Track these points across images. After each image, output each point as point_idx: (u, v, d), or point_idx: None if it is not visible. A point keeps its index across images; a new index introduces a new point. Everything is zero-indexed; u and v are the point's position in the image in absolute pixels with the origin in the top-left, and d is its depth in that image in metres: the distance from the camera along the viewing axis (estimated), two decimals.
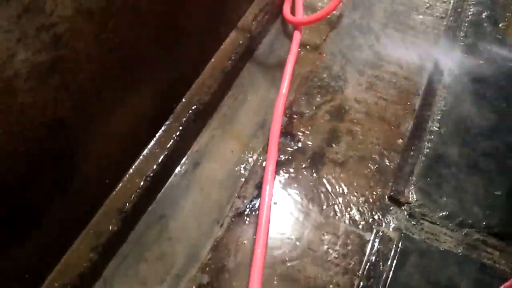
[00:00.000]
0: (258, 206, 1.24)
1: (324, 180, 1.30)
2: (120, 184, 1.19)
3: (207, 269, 1.14)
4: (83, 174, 1.03)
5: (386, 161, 1.35)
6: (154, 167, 1.24)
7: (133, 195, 1.19)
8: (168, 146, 1.28)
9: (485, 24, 1.73)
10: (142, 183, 1.21)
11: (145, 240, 1.22)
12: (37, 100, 0.77)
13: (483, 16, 1.76)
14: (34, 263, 0.99)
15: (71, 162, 0.97)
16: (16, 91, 0.73)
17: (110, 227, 1.13)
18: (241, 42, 1.54)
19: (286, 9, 1.73)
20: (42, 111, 0.80)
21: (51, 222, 0.98)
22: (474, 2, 1.81)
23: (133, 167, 1.23)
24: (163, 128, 1.31)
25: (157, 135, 1.29)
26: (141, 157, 1.25)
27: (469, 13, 1.77)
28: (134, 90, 1.12)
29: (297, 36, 1.65)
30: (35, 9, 0.70)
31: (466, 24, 1.73)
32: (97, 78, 0.93)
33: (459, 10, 1.78)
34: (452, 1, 1.81)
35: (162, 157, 1.26)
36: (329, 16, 1.68)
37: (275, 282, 1.13)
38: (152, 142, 1.28)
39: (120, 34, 0.94)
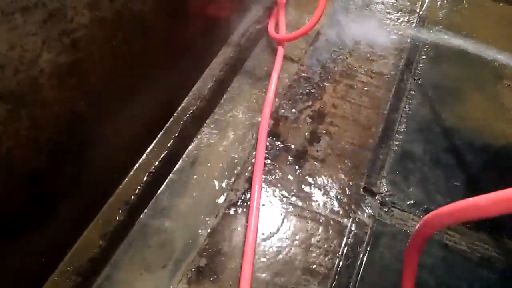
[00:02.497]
0: (249, 198, 1.27)
1: (307, 174, 1.34)
2: (126, 179, 1.21)
3: (205, 253, 1.16)
4: (94, 168, 1.05)
5: (360, 157, 1.39)
6: (156, 164, 1.26)
7: (138, 189, 1.21)
8: (168, 145, 1.31)
9: None
10: (145, 178, 1.23)
11: (148, 229, 1.23)
12: (58, 97, 0.80)
13: None
14: (50, 248, 1.00)
15: (84, 156, 0.99)
16: (41, 88, 0.75)
17: (118, 217, 1.15)
18: (231, 55, 1.58)
19: (271, 27, 1.77)
20: (62, 107, 0.82)
21: (65, 211, 0.99)
22: None
23: (138, 163, 1.25)
24: (163, 129, 1.33)
25: (158, 135, 1.31)
26: (144, 155, 1.27)
27: None
28: (139, 94, 1.15)
29: (281, 51, 1.70)
30: (58, 15, 0.73)
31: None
32: (108, 80, 0.96)
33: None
34: None
35: (163, 155, 1.28)
36: (308, 33, 1.74)
37: (265, 264, 1.15)
38: (154, 142, 1.30)
39: (128, 42, 0.98)
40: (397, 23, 1.88)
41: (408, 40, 1.79)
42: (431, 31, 1.84)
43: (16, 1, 0.64)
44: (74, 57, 0.80)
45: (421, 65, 1.69)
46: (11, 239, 0.84)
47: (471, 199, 0.60)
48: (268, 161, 1.36)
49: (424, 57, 1.73)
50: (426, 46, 1.77)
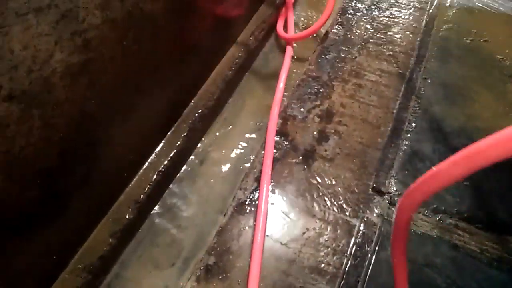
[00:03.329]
0: (257, 197, 1.27)
1: (315, 174, 1.34)
2: (136, 177, 1.22)
3: (213, 251, 1.17)
4: (104, 167, 1.06)
5: (369, 156, 1.39)
6: (165, 162, 1.27)
7: (147, 187, 1.22)
8: (177, 144, 1.31)
9: None
10: (155, 177, 1.24)
11: (157, 228, 1.24)
12: (70, 96, 0.81)
13: None
14: (61, 246, 1.01)
15: (95, 155, 1.00)
16: (53, 87, 0.76)
17: (127, 215, 1.16)
18: (240, 55, 1.59)
19: (279, 26, 1.78)
20: (73, 106, 0.83)
21: (76, 209, 1.00)
22: None
23: (147, 162, 1.26)
24: (172, 128, 1.34)
25: (167, 134, 1.32)
26: (153, 154, 1.28)
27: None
28: (149, 94, 1.16)
29: (289, 50, 1.70)
30: (71, 16, 0.74)
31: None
32: (119, 80, 0.97)
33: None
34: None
35: (172, 154, 1.29)
36: (317, 32, 1.74)
37: (273, 262, 1.16)
38: (163, 141, 1.31)
39: (138, 42, 0.99)
40: (407, 21, 1.87)
41: (418, 39, 1.78)
42: (441, 29, 1.83)
43: (29, 2, 0.65)
44: (85, 57, 0.81)
45: (431, 64, 1.68)
46: (23, 236, 0.85)
47: (433, 168, 0.60)
48: (277, 160, 1.36)
49: (433, 56, 1.72)
50: (436, 45, 1.76)
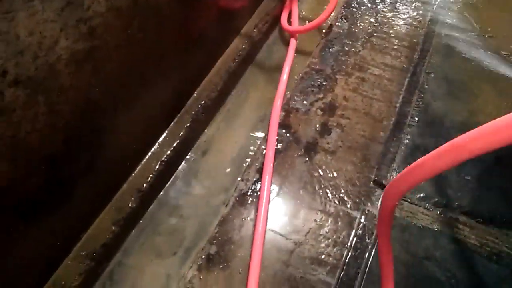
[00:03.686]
0: (259, 188, 1.28)
1: (317, 166, 1.34)
2: (139, 167, 1.23)
3: (215, 241, 1.18)
4: (108, 155, 1.07)
5: (371, 150, 1.39)
6: (168, 153, 1.28)
7: (150, 177, 1.23)
8: (180, 135, 1.32)
9: None
10: (157, 167, 1.25)
11: (159, 217, 1.25)
12: (75, 83, 0.82)
13: None
14: (64, 233, 1.02)
15: (98, 143, 1.01)
16: (58, 74, 0.77)
17: (130, 204, 1.17)
18: (243, 47, 1.59)
19: (283, 19, 1.78)
20: (78, 93, 0.84)
21: (80, 196, 1.01)
22: None
23: (150, 152, 1.27)
24: (176, 119, 1.35)
25: (170, 125, 1.33)
26: (156, 144, 1.29)
27: None
28: (153, 83, 1.16)
29: (293, 43, 1.70)
30: (76, 3, 0.75)
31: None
32: (123, 68, 0.97)
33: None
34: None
35: (175, 144, 1.30)
36: (321, 25, 1.74)
37: (274, 253, 1.16)
38: (166, 131, 1.32)
39: (143, 31, 0.99)
40: (412, 15, 1.86)
41: (422, 33, 1.78)
42: (446, 24, 1.83)
43: None
44: (90, 45, 0.82)
45: (434, 59, 1.68)
46: (28, 223, 0.86)
47: (418, 160, 0.62)
48: (279, 152, 1.37)
49: (437, 50, 1.71)
50: (440, 40, 1.75)
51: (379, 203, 0.77)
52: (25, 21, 0.66)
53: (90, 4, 0.78)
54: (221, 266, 1.13)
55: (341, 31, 1.77)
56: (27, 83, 0.70)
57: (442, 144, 1.38)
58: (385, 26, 1.81)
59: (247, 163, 1.36)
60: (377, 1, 1.92)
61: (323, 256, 1.16)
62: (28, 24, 0.66)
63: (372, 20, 1.83)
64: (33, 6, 0.66)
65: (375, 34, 1.77)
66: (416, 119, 1.47)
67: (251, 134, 1.45)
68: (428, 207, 1.27)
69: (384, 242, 0.85)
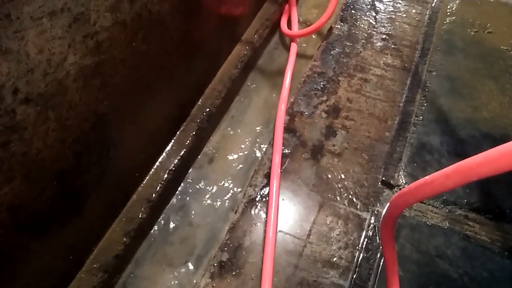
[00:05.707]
0: (268, 193, 1.28)
1: (324, 169, 1.35)
2: (147, 177, 1.24)
3: (226, 248, 1.18)
4: (117, 167, 1.07)
5: (377, 150, 1.39)
6: (176, 162, 1.29)
7: (159, 186, 1.23)
8: (186, 143, 1.33)
9: None
10: (166, 176, 1.25)
11: (169, 227, 1.26)
12: (83, 98, 0.82)
13: None
14: (77, 246, 1.03)
15: (107, 156, 1.01)
16: (66, 90, 0.77)
17: (140, 214, 1.18)
18: (245, 53, 1.60)
19: (283, 23, 1.79)
20: (86, 108, 0.85)
21: (91, 209, 1.02)
22: None
23: (158, 162, 1.27)
24: (181, 128, 1.35)
25: (176, 134, 1.34)
26: (164, 153, 1.29)
27: None
28: (157, 94, 1.17)
29: (294, 47, 1.71)
30: (82, 19, 0.75)
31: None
32: (129, 81, 0.98)
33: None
34: None
35: (182, 153, 1.31)
36: (321, 28, 1.74)
37: (286, 257, 1.17)
38: (173, 140, 1.32)
39: (147, 43, 1.00)
40: (410, 15, 1.87)
41: (422, 32, 1.78)
42: (445, 21, 1.83)
43: (43, 6, 0.66)
44: (97, 59, 0.83)
45: (436, 57, 1.68)
46: (41, 236, 0.86)
47: (427, 177, 0.65)
48: (285, 157, 1.37)
49: (438, 48, 1.72)
50: (440, 38, 1.76)
51: (385, 209, 0.79)
52: (34, 39, 0.66)
53: (96, 19, 0.79)
54: (234, 273, 1.13)
55: (341, 33, 1.78)
56: (38, 100, 0.71)
57: (448, 141, 1.38)
58: (385, 26, 1.81)
59: (254, 169, 1.36)
60: (375, 2, 1.92)
61: (335, 259, 1.16)
62: (38, 42, 0.67)
63: (371, 20, 1.84)
64: (41, 24, 0.67)
65: (375, 35, 1.77)
66: (421, 117, 1.48)
67: (256, 139, 1.45)
68: (437, 205, 1.27)
69: (388, 245, 0.86)
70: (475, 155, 0.56)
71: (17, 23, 0.63)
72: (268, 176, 1.32)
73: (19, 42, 0.64)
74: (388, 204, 0.77)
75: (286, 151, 1.39)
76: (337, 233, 1.21)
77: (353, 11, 1.88)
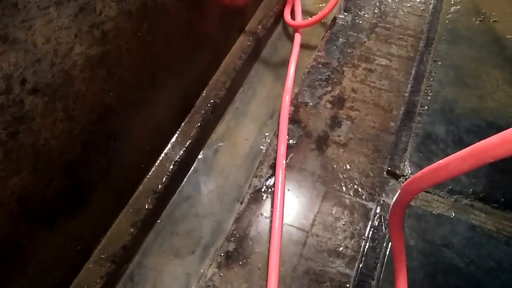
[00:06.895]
0: (273, 183, 1.28)
1: (329, 159, 1.35)
2: (153, 168, 1.24)
3: (232, 238, 1.18)
4: (123, 159, 1.07)
5: (383, 140, 1.39)
6: (181, 153, 1.28)
7: (165, 178, 1.23)
8: (191, 134, 1.32)
9: None
10: (171, 167, 1.25)
11: (175, 217, 1.26)
12: (89, 88, 0.82)
13: None
14: (84, 237, 1.03)
15: (114, 147, 1.01)
16: (73, 80, 0.77)
17: (146, 205, 1.18)
18: (248, 44, 1.59)
19: (287, 14, 1.77)
20: (93, 99, 0.84)
21: (98, 200, 1.02)
22: None
23: (163, 153, 1.27)
24: (186, 119, 1.35)
25: (181, 125, 1.33)
26: (169, 144, 1.29)
27: None
28: (162, 85, 1.16)
29: (297, 37, 1.70)
30: (88, 9, 0.75)
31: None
32: (134, 71, 0.97)
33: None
34: None
35: (187, 144, 1.30)
36: (325, 19, 1.73)
37: (292, 247, 1.17)
38: (178, 132, 1.32)
39: (152, 33, 0.99)
40: (414, 4, 1.85)
41: (426, 21, 1.77)
42: (449, 10, 1.82)
43: None
44: (103, 49, 0.82)
45: (440, 46, 1.67)
46: (49, 227, 0.87)
47: (440, 161, 0.64)
48: (291, 147, 1.37)
49: (443, 38, 1.71)
50: (445, 27, 1.75)
51: (396, 195, 0.78)
52: (41, 29, 0.66)
53: (102, 8, 0.78)
54: (240, 262, 1.13)
55: (345, 23, 1.77)
56: (45, 90, 0.71)
57: (453, 131, 1.38)
58: (389, 15, 1.80)
59: (260, 160, 1.36)
60: None
61: (341, 249, 1.16)
62: (45, 31, 0.67)
63: (375, 10, 1.82)
64: (48, 13, 0.66)
65: (379, 25, 1.76)
66: (426, 107, 1.47)
67: (261, 130, 1.45)
68: (443, 195, 1.27)
69: (396, 234, 0.85)
70: (489, 137, 0.55)
71: (25, 13, 0.62)
72: (273, 167, 1.32)
73: (27, 31, 0.63)
74: (398, 191, 0.76)
75: (291, 142, 1.39)
76: (343, 223, 1.21)
77: (357, 0, 1.87)
